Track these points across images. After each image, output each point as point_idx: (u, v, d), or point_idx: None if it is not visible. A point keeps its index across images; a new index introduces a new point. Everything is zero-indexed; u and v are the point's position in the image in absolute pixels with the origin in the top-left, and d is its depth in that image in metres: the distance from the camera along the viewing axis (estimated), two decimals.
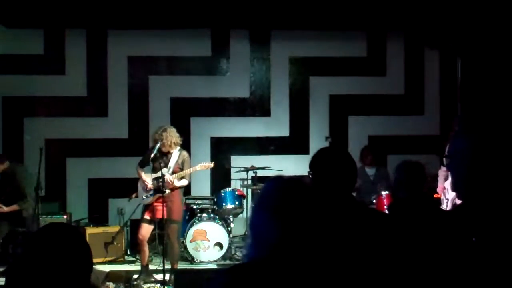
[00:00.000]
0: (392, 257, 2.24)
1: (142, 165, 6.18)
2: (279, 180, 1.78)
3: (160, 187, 5.88)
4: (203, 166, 6.35)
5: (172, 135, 6.01)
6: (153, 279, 6.08)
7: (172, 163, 6.08)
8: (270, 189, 1.76)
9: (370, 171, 7.34)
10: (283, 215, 1.66)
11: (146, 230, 6.03)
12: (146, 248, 6.13)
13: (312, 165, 2.52)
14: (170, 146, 6.01)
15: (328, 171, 2.45)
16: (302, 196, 1.71)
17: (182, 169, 6.07)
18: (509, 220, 1.55)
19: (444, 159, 1.73)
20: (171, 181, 5.92)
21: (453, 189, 1.72)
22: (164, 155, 6.09)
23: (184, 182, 6.12)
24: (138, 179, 6.22)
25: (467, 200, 1.66)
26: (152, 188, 6.03)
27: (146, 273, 6.12)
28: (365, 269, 2.11)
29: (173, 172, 6.04)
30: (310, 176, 2.52)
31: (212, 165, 6.45)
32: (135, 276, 6.11)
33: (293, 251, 1.63)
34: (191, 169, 6.16)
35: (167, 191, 5.97)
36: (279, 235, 1.64)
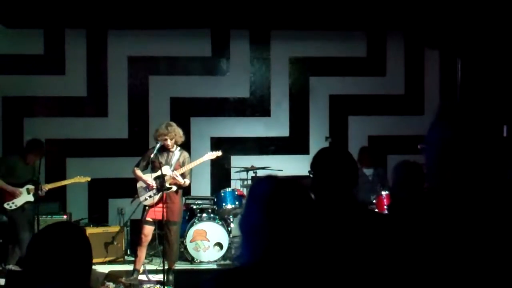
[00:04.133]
0: (392, 257, 2.24)
1: (142, 167, 6.15)
2: (273, 181, 1.73)
3: (162, 185, 5.89)
4: (211, 155, 6.36)
5: (177, 130, 6.05)
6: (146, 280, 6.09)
7: (173, 161, 6.09)
8: (263, 190, 1.70)
9: (368, 171, 7.33)
10: (277, 215, 1.62)
11: (148, 230, 6.03)
12: (143, 254, 6.13)
13: (313, 165, 2.52)
14: (176, 140, 6.02)
15: (329, 171, 2.44)
16: (296, 196, 1.67)
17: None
18: (478, 209, 1.57)
19: (419, 146, 1.74)
20: (176, 176, 5.93)
21: (426, 177, 1.74)
22: (166, 154, 6.10)
23: (186, 181, 6.12)
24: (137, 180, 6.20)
25: (439, 189, 1.67)
26: (154, 187, 6.01)
27: (132, 274, 6.11)
28: (365, 270, 2.11)
29: (175, 170, 6.05)
30: (311, 176, 2.51)
31: (220, 153, 6.45)
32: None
33: (287, 253, 1.59)
34: (198, 160, 6.20)
35: (174, 187, 5.97)
36: (272, 237, 1.60)
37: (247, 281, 1.58)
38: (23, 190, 6.52)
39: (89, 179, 7.12)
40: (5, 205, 6.43)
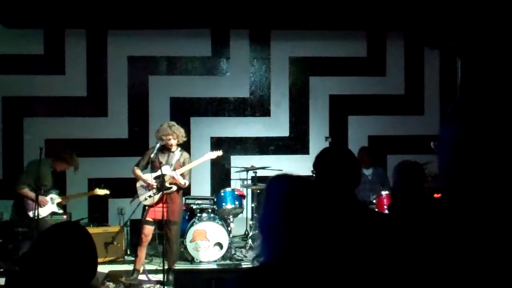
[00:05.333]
0: (393, 257, 2.24)
1: (142, 167, 6.14)
2: (289, 179, 1.73)
3: (162, 185, 5.89)
4: (211, 155, 6.36)
5: (180, 129, 6.06)
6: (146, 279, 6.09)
7: (174, 161, 6.09)
8: (279, 189, 1.70)
9: (367, 171, 7.33)
10: (296, 215, 1.62)
11: (148, 230, 6.02)
12: (144, 254, 6.13)
13: (316, 165, 2.51)
14: (179, 140, 6.03)
15: (331, 171, 2.44)
16: (314, 196, 1.67)
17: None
18: (493, 208, 1.57)
19: (432, 142, 1.74)
20: (176, 176, 5.93)
21: (439, 174, 1.73)
22: (166, 154, 6.09)
23: (186, 182, 6.11)
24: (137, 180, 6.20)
25: (452, 187, 1.66)
26: (154, 187, 6.00)
27: (132, 274, 6.11)
28: (366, 270, 2.11)
29: (175, 170, 6.05)
30: (314, 175, 2.51)
31: (220, 153, 6.46)
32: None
33: (308, 252, 1.59)
34: (198, 160, 6.22)
35: (174, 187, 5.98)
36: (293, 236, 1.60)
37: (272, 280, 1.57)
38: (49, 199, 6.45)
39: (108, 192, 7.15)
40: (30, 214, 6.27)
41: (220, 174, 8.43)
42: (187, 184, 6.14)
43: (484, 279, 1.54)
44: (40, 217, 6.24)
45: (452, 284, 1.59)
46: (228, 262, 6.87)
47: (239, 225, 7.62)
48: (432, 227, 1.67)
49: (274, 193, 1.71)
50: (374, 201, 6.74)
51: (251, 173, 7.53)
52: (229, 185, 7.93)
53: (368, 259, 2.13)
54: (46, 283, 1.79)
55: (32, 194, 6.24)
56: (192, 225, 6.93)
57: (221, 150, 6.51)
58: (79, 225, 2.10)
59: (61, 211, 6.54)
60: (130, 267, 6.31)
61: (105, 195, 7.20)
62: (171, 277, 5.88)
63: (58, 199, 6.46)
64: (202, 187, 8.25)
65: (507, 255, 1.53)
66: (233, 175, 8.20)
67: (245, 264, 6.75)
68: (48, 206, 6.43)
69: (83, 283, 1.83)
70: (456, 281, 1.59)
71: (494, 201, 1.58)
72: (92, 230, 7.10)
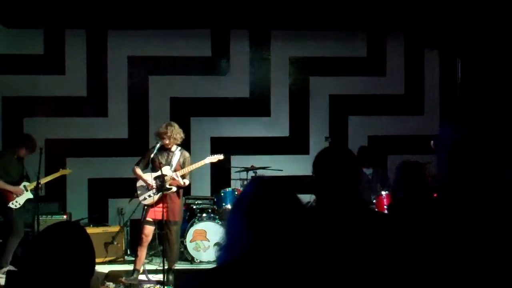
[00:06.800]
0: (393, 257, 2.23)
1: (143, 166, 6.14)
2: (257, 182, 1.75)
3: (162, 185, 5.89)
4: (212, 158, 6.35)
5: (177, 130, 6.04)
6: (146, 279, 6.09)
7: (174, 161, 6.09)
8: (247, 192, 1.72)
9: (367, 171, 7.33)
10: (256, 218, 1.62)
11: (149, 230, 6.02)
12: (144, 254, 6.13)
13: (315, 165, 2.50)
14: (175, 139, 6.02)
15: (331, 171, 2.42)
16: (277, 198, 1.67)
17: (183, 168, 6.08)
18: (488, 207, 1.57)
19: (431, 141, 1.75)
20: (177, 177, 5.93)
21: (437, 172, 1.74)
22: (166, 154, 6.10)
23: (186, 182, 6.11)
24: (137, 179, 6.20)
25: (449, 185, 1.67)
26: (154, 187, 6.00)
27: (132, 274, 6.11)
28: (365, 270, 2.11)
29: (175, 171, 6.05)
30: (313, 176, 2.50)
31: (221, 157, 6.45)
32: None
33: (266, 255, 1.59)
34: (199, 163, 6.19)
35: (174, 188, 5.97)
36: (252, 239, 1.61)
37: (227, 280, 1.59)
38: (22, 187, 6.60)
39: (70, 171, 7.24)
40: (10, 205, 6.45)
41: (220, 174, 8.42)
42: (187, 183, 6.15)
43: (482, 278, 1.55)
44: (18, 206, 6.52)
45: (451, 283, 1.59)
46: None
47: None
48: (429, 227, 1.67)
49: (240, 196, 1.75)
50: (374, 201, 6.74)
51: (251, 173, 7.52)
52: (229, 185, 7.92)
53: (367, 259, 2.13)
54: (44, 283, 1.79)
55: (7, 186, 6.47)
56: (192, 225, 6.93)
57: (222, 154, 6.49)
58: (77, 225, 2.11)
59: (32, 197, 6.63)
60: (130, 267, 6.31)
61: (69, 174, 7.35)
62: (171, 277, 5.89)
63: (30, 186, 6.60)
64: (202, 187, 8.24)
65: (504, 254, 1.53)
66: (233, 175, 8.19)
67: None
68: (24, 195, 6.59)
69: (81, 283, 1.83)
70: (455, 281, 1.59)
71: (491, 202, 1.58)
72: (92, 230, 7.11)
